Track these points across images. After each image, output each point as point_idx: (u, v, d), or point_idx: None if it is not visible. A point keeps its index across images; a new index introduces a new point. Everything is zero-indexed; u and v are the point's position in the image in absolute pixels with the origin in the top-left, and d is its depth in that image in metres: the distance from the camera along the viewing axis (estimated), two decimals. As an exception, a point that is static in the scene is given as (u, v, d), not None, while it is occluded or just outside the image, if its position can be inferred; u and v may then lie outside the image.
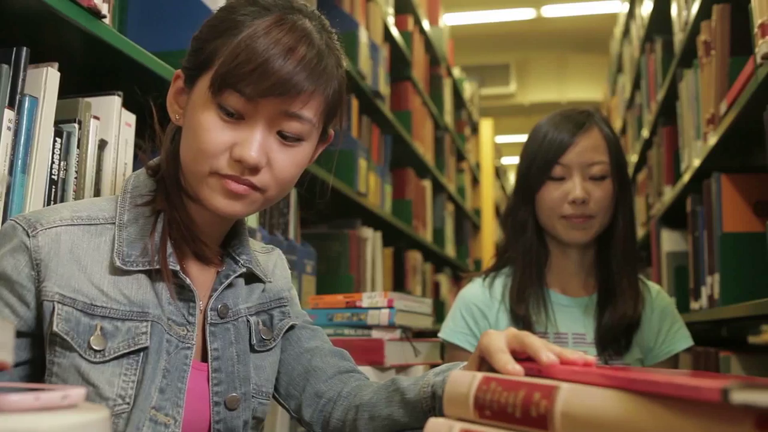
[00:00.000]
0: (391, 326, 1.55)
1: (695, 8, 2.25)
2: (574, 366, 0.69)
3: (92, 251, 0.97)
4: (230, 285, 1.06)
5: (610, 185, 1.54)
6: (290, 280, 1.20)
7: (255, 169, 0.95)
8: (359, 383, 1.10)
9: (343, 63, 1.03)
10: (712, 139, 2.00)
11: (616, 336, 1.53)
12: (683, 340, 1.59)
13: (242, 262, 1.07)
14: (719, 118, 1.93)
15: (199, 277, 1.04)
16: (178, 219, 1.01)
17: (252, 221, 1.94)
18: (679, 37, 2.65)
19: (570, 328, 1.55)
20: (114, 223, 1.00)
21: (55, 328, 0.92)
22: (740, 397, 0.49)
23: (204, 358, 1.02)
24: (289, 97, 0.93)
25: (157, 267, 0.98)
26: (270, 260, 1.18)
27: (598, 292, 1.58)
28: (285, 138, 0.96)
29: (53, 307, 0.93)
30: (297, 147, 0.98)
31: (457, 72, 5.73)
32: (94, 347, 0.93)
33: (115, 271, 0.97)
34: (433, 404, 0.95)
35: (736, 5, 1.90)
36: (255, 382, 1.06)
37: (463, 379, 0.70)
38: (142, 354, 0.95)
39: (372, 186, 3.01)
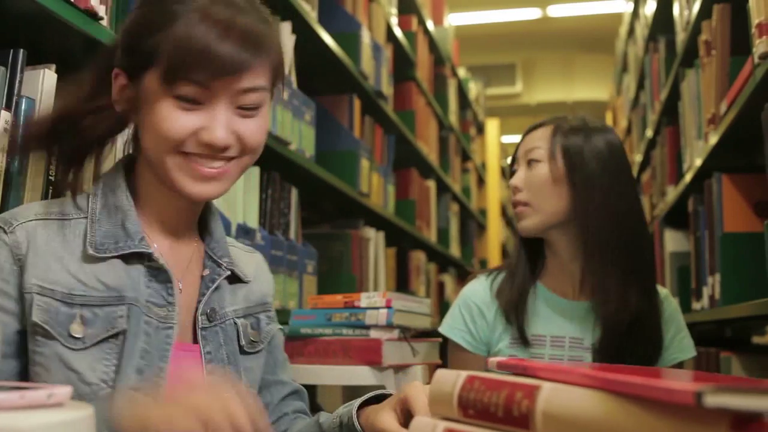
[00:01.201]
0: (389, 326, 1.56)
1: (696, 8, 2.25)
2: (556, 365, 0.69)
3: (67, 243, 1.00)
4: (216, 288, 1.08)
5: (546, 168, 1.52)
6: (273, 285, 1.23)
7: (225, 149, 0.99)
8: (297, 421, 1.18)
9: (271, 20, 1.05)
10: (713, 139, 2.00)
11: (611, 341, 1.49)
12: (687, 350, 1.56)
13: (225, 265, 1.10)
14: (720, 117, 1.92)
15: (174, 256, 1.07)
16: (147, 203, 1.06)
17: (252, 221, 1.95)
18: (681, 37, 2.64)
19: (567, 332, 1.53)
20: (86, 217, 1.02)
21: (34, 318, 0.95)
22: (714, 400, 0.49)
23: (195, 340, 1.05)
24: (239, 74, 0.96)
25: (131, 251, 1.00)
26: (252, 261, 1.20)
27: (591, 297, 1.56)
28: (246, 110, 1.00)
29: (32, 299, 0.96)
30: (258, 114, 1.02)
31: (462, 72, 5.73)
32: (74, 335, 0.95)
33: (90, 259, 0.99)
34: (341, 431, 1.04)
35: (736, 5, 1.90)
36: (244, 382, 1.09)
37: (447, 378, 0.71)
38: (120, 337, 0.97)
39: (375, 186, 3.02)
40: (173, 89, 0.96)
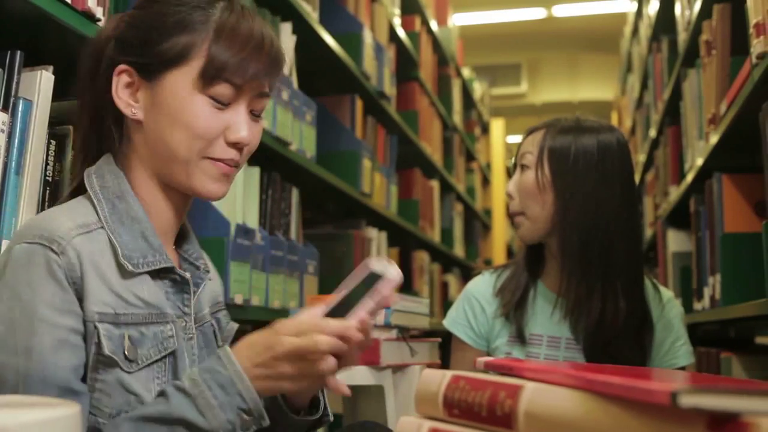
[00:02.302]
0: (387, 326, 1.56)
1: (697, 8, 2.25)
2: (541, 365, 0.69)
3: (100, 258, 0.95)
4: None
5: (532, 175, 1.50)
6: (221, 283, 1.24)
7: (242, 148, 1.02)
8: None
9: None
10: (714, 139, 1.99)
11: (597, 343, 1.47)
12: (684, 357, 1.54)
13: (203, 267, 1.10)
14: (720, 117, 1.92)
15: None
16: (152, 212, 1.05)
17: (252, 222, 1.95)
18: (682, 37, 2.64)
19: (564, 332, 1.53)
20: (103, 227, 0.98)
21: (106, 351, 0.91)
22: (689, 400, 0.50)
23: None
24: (270, 79, 1.02)
25: (163, 266, 1.00)
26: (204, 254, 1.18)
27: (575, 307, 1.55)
28: (256, 115, 1.05)
29: (95, 328, 0.91)
30: (261, 120, 1.07)
31: (466, 72, 5.73)
32: (129, 357, 0.93)
33: (125, 274, 0.96)
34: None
35: (736, 5, 1.89)
36: None
37: (433, 378, 0.71)
38: (171, 357, 0.97)
39: (377, 186, 3.02)
40: (208, 89, 0.98)
